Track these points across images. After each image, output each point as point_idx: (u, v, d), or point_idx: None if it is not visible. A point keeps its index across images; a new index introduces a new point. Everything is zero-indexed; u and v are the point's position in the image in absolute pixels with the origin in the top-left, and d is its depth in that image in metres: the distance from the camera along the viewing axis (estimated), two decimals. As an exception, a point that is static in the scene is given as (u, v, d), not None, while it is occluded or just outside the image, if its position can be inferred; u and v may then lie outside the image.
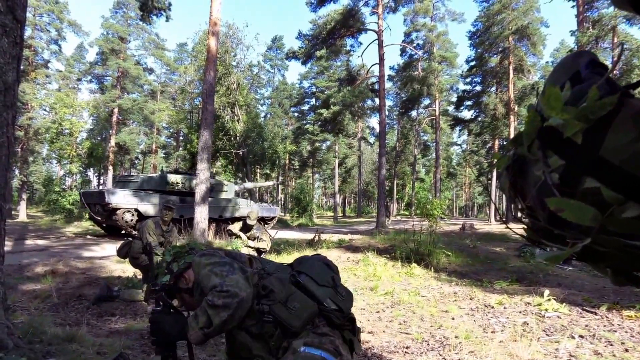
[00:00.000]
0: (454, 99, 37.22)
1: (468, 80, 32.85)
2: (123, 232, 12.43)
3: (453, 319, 4.27)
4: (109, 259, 7.85)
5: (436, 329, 3.93)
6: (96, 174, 41.46)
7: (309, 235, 12.21)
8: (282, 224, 21.34)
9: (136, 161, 47.03)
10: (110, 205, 12.03)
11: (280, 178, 47.51)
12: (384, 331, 3.91)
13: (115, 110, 35.18)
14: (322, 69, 38.65)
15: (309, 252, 8.89)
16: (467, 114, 39.65)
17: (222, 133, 25.81)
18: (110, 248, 9.89)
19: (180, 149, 37.03)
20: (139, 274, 5.65)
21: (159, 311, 1.70)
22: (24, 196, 24.66)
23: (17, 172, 24.30)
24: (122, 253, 5.23)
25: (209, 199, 14.01)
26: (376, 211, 22.95)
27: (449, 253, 8.14)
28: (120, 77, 36.25)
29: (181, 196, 13.35)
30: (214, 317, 1.50)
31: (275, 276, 1.68)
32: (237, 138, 26.29)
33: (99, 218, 13.05)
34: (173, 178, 13.61)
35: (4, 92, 2.60)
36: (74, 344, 3.16)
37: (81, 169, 28.16)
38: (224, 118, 25.58)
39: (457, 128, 38.71)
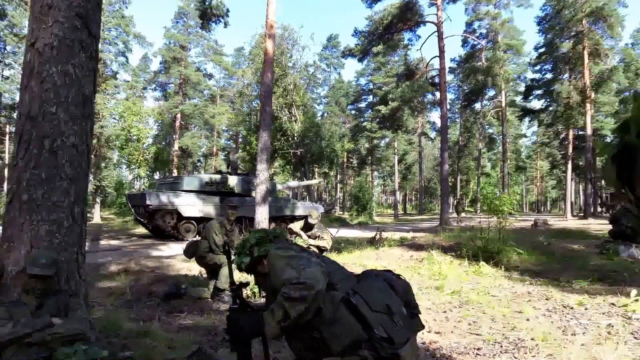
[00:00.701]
0: (521, 88, 35.53)
1: (537, 68, 31.18)
2: (166, 233, 12.75)
3: (528, 320, 4.08)
4: (175, 258, 8.25)
5: (509, 331, 3.78)
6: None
7: (369, 234, 12.13)
8: (342, 223, 21.38)
9: (198, 164, 49.30)
10: (151, 206, 12.38)
11: (338, 177, 47.74)
12: (452, 332, 3.82)
13: (178, 115, 37.14)
14: (379, 65, 38.32)
15: (370, 251, 8.87)
16: (536, 104, 37.53)
17: (280, 133, 26.40)
18: (176, 248, 10.42)
19: (240, 150, 38.30)
20: (204, 273, 5.92)
21: (236, 309, 1.78)
22: (98, 199, 26.57)
23: (91, 177, 26.28)
24: (188, 253, 5.50)
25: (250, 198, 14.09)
26: (439, 208, 22.40)
27: (521, 251, 7.77)
28: (182, 84, 38.21)
29: (221, 196, 13.49)
30: (291, 310, 1.52)
31: (329, 293, 1.62)
32: (295, 138, 26.75)
33: (142, 220, 13.47)
34: (207, 178, 13.80)
35: (83, 104, 2.86)
36: (147, 339, 3.41)
37: (148, 172, 29.96)
38: (281, 119, 26.14)
39: (526, 119, 36.80)
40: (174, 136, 37.60)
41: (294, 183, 20.98)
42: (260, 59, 19.95)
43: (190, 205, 12.92)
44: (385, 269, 2.02)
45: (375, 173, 51.72)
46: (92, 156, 27.44)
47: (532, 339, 3.48)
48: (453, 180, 41.45)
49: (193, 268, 6.83)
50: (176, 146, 36.80)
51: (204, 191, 13.50)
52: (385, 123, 33.13)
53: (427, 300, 4.91)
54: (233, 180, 14.01)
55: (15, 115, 34.58)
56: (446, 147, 20.08)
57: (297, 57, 28.57)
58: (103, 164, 27.25)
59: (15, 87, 30.80)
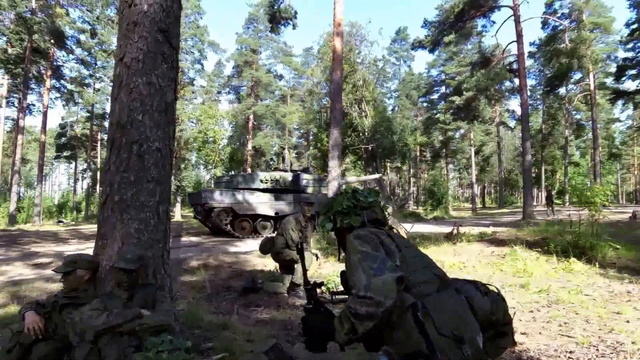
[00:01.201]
0: (612, 69, 32.40)
1: (629, 46, 28.29)
2: (227, 230, 13.00)
3: (627, 321, 3.76)
4: (251, 254, 8.58)
5: (606, 333, 3.51)
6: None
7: (446, 229, 11.72)
8: (416, 218, 20.93)
9: (271, 162, 50.82)
10: (207, 205, 12.74)
11: (411, 170, 46.79)
12: (540, 333, 3.61)
13: (251, 116, 38.60)
14: (451, 54, 37.07)
15: (447, 246, 8.60)
16: (630, 85, 34.06)
17: (351, 129, 26.46)
18: (252, 244, 10.85)
19: (311, 148, 38.90)
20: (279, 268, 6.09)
21: (310, 310, 1.81)
22: (179, 199, 28.32)
23: (172, 178, 28.08)
24: (264, 249, 5.69)
25: (317, 194, 14.14)
26: (521, 201, 21.15)
27: (618, 246, 7.10)
28: (253, 86, 39.65)
29: (276, 193, 13.60)
30: (358, 327, 1.44)
31: (400, 295, 1.48)
32: (366, 133, 26.67)
33: (200, 218, 13.91)
34: (262, 176, 13.92)
35: (166, 111, 3.11)
36: (226, 331, 3.60)
37: (224, 172, 31.42)
38: (351, 115, 26.19)
39: (619, 102, 33.54)
40: (248, 136, 39.11)
41: (352, 179, 20.80)
42: (329, 57, 20.16)
43: (243, 203, 13.08)
44: (471, 279, 1.77)
45: (451, 166, 50.05)
46: (174, 158, 29.42)
47: (632, 343, 3.21)
48: (537, 171, 38.99)
49: (268, 264, 7.04)
50: (249, 146, 38.26)
51: (259, 189, 13.66)
52: (460, 114, 31.90)
53: (512, 299, 4.67)
54: (287, 177, 14.10)
55: (106, 124, 38.01)
56: (528, 136, 18.98)
57: (365, 53, 28.50)
58: (182, 165, 29.01)
59: (105, 98, 33.78)
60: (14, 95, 29.49)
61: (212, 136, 29.26)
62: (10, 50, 24.23)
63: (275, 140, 44.52)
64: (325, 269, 6.68)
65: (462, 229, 10.61)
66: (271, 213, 13.33)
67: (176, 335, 2.57)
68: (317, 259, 5.73)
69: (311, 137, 43.11)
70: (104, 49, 31.06)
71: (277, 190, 13.84)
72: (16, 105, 29.73)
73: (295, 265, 5.44)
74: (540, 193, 43.92)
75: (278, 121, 42.03)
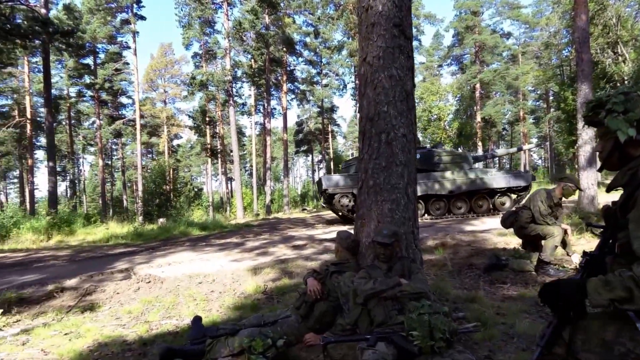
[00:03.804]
0: None
1: None
2: (349, 217, 12.85)
3: None
4: (490, 232, 8.50)
5: None
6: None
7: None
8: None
9: (503, 132, 47.63)
10: (327, 190, 12.73)
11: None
12: None
13: (477, 85, 36.95)
14: None
15: None
16: None
17: (604, 81, 22.60)
18: (490, 222, 10.66)
19: (552, 110, 34.91)
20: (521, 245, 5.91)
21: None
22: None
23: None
24: (507, 223, 5.62)
25: (450, 173, 13.10)
26: None
27: None
28: (477, 52, 37.79)
29: None
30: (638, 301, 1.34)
31: None
32: (626, 82, 22.40)
33: (326, 205, 13.96)
34: None
35: (406, 99, 3.51)
36: (474, 304, 3.83)
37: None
38: (604, 63, 22.42)
39: None
40: (475, 108, 37.63)
41: (501, 151, 17.84)
42: None
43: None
44: None
45: None
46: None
47: None
48: None
49: (511, 242, 6.91)
50: (478, 118, 36.75)
51: None
52: None
53: None
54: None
55: (335, 116, 42.16)
56: None
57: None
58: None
59: (331, 92, 37.65)
60: (260, 103, 35.89)
61: (437, 113, 29.31)
62: (254, 65, 29.34)
63: (507, 107, 41.49)
64: (578, 246, 6.16)
65: None
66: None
67: (433, 302, 2.93)
68: (567, 235, 5.31)
69: (551, 98, 38.65)
70: (327, 46, 34.51)
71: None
72: (262, 111, 36.37)
73: (543, 242, 5.21)
74: None
75: (509, 85, 38.99)
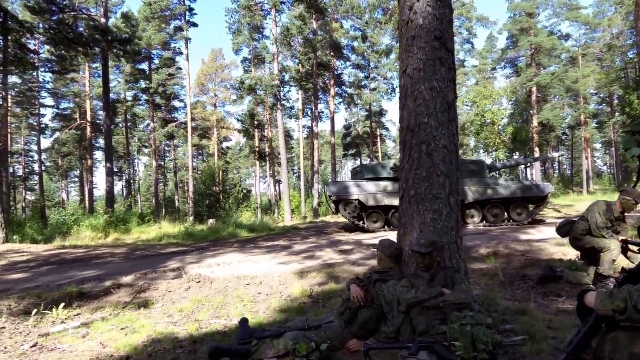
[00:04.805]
0: None
1: None
2: (355, 224, 12.81)
3: None
4: (546, 241, 8.16)
5: None
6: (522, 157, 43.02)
7: None
8: None
9: (563, 137, 45.49)
10: (332, 197, 12.57)
11: None
12: None
13: (533, 89, 35.56)
14: None
15: None
16: None
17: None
18: (547, 231, 10.25)
19: (617, 114, 33.01)
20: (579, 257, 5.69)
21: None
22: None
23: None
24: (562, 232, 5.44)
25: (471, 180, 12.73)
26: None
27: None
28: (533, 54, 36.41)
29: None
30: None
31: None
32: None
33: (333, 211, 13.75)
34: (392, 164, 13.08)
35: (447, 110, 3.55)
36: (524, 317, 3.73)
37: (507, 154, 30.06)
38: (673, 64, 21.08)
39: None
40: (532, 112, 36.23)
41: (513, 161, 17.28)
42: (631, -2, 16.73)
43: (372, 193, 12.67)
44: None
45: None
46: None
47: None
48: None
49: (568, 252, 6.65)
50: (535, 122, 35.35)
51: (389, 177, 12.96)
52: None
53: None
54: None
55: (383, 120, 42.07)
56: None
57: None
58: (461, 151, 29.34)
59: (379, 97, 37.62)
60: (307, 106, 36.48)
61: (490, 117, 28.45)
62: (301, 69, 29.85)
63: (566, 111, 39.59)
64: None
65: None
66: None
67: (476, 313, 2.93)
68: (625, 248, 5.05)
69: (616, 101, 36.54)
70: (375, 50, 34.56)
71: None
72: (310, 114, 36.95)
73: (601, 254, 5.01)
74: None
75: (569, 88, 37.19)
